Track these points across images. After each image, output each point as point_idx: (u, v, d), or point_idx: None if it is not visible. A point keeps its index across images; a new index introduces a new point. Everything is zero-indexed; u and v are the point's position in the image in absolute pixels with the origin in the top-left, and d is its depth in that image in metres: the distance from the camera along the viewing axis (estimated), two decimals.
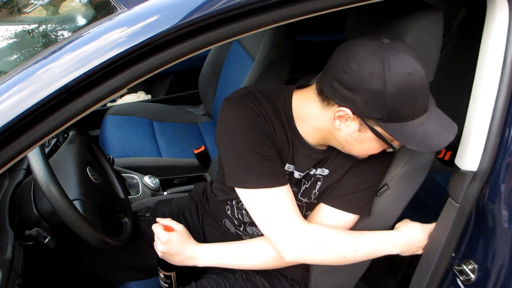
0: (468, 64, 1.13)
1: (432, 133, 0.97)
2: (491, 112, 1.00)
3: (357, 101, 0.95)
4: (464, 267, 1.12)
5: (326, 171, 1.16)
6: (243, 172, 1.06)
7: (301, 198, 1.20)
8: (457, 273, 1.13)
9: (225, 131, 1.08)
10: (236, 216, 1.27)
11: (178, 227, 1.23)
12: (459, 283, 1.14)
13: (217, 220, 1.36)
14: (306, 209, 1.22)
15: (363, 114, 0.97)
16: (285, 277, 1.30)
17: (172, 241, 1.19)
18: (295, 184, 1.17)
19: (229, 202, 1.27)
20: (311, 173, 1.16)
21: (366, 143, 1.03)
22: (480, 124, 1.02)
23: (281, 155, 1.11)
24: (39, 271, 1.28)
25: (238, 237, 1.32)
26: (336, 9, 0.87)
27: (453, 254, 1.14)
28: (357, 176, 1.15)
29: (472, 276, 1.10)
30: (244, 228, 1.29)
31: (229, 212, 1.29)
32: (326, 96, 1.00)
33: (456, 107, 1.23)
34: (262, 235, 1.23)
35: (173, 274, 1.29)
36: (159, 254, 1.23)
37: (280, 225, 1.07)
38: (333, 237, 1.10)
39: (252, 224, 1.24)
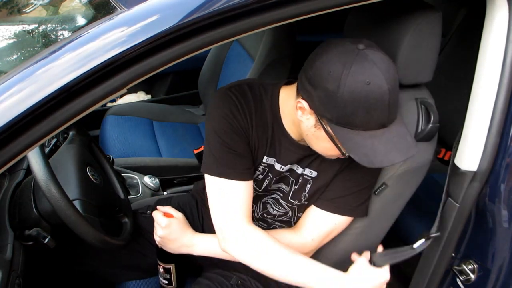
0: (468, 64, 1.13)
1: (380, 150, 0.93)
2: (491, 112, 1.00)
3: (314, 97, 0.95)
4: (464, 267, 1.12)
5: (314, 173, 1.16)
6: (210, 160, 1.10)
7: (292, 200, 1.20)
8: (457, 273, 1.13)
9: (207, 120, 1.12)
10: None
11: (178, 214, 1.26)
12: (459, 283, 1.14)
13: None
14: (298, 211, 1.23)
15: (317, 111, 0.97)
16: None
17: (171, 227, 1.22)
18: (281, 179, 1.18)
19: None
20: (298, 171, 1.17)
21: (321, 141, 1.02)
22: (479, 123, 1.02)
23: (256, 151, 1.12)
24: (39, 271, 1.28)
25: None
26: (336, 9, 0.87)
27: (453, 254, 1.14)
28: (346, 180, 1.14)
29: (472, 276, 1.10)
30: None
31: None
32: (297, 87, 1.02)
33: (456, 107, 1.23)
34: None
35: (172, 267, 1.30)
36: (157, 240, 1.25)
37: (226, 220, 1.09)
38: (273, 251, 1.08)
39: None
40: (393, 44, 1.07)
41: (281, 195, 1.21)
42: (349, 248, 1.24)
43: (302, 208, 1.22)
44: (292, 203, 1.21)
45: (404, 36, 1.04)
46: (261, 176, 1.17)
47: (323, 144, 1.03)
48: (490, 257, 1.08)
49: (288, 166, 1.15)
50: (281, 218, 1.25)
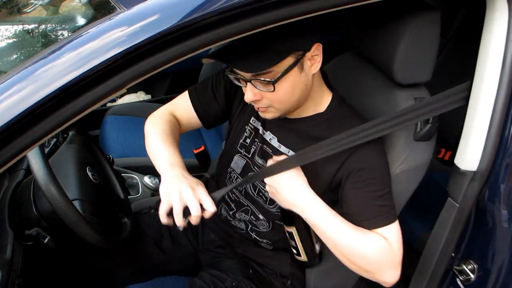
0: (467, 64, 1.13)
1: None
2: (491, 112, 1.00)
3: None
4: (464, 267, 1.12)
5: (291, 152, 1.15)
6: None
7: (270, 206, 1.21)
8: (457, 273, 1.13)
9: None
10: (232, 194, 1.30)
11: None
12: (459, 283, 1.14)
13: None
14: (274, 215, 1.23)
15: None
16: (274, 275, 1.30)
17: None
18: (263, 154, 1.20)
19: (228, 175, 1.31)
20: (280, 149, 1.17)
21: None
22: (479, 123, 1.02)
23: (242, 106, 1.25)
24: (39, 271, 1.28)
25: (227, 223, 1.33)
26: (335, 9, 0.87)
27: (453, 254, 1.14)
28: (358, 183, 1.05)
29: (472, 276, 1.10)
30: (233, 213, 1.30)
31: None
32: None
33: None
34: (249, 220, 1.27)
35: (293, 231, 1.15)
36: (267, 185, 1.09)
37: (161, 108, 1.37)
38: (153, 133, 1.37)
39: (244, 211, 1.27)
40: (392, 43, 1.07)
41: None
42: None
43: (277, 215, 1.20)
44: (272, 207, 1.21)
45: (403, 36, 1.04)
46: (248, 140, 1.23)
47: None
48: (490, 257, 1.08)
49: (269, 134, 1.19)
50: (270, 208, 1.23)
